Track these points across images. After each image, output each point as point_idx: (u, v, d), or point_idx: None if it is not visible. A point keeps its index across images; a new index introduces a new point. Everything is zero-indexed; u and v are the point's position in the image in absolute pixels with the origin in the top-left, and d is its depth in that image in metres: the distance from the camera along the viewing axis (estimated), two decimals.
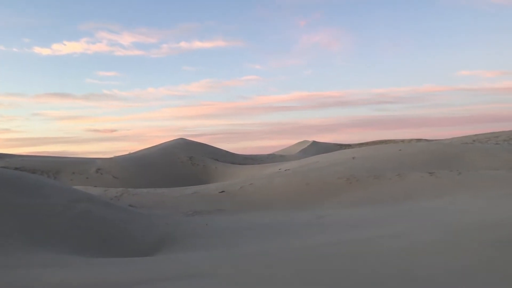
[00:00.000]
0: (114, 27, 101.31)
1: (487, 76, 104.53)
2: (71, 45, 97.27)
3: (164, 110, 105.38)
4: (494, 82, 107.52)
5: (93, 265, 5.50)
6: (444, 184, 13.24)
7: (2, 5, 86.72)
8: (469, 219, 7.05)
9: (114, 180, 27.37)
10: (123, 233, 9.00)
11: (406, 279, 3.68)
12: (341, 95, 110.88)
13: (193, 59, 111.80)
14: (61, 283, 4.13)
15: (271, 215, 11.76)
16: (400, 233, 6.34)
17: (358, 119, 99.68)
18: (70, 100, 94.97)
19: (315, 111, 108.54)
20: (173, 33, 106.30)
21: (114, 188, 17.39)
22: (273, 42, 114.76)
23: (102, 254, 7.23)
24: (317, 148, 51.19)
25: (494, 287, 3.33)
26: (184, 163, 33.11)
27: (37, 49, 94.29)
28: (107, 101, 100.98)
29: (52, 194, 9.50)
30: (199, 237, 8.93)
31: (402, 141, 47.72)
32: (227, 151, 42.04)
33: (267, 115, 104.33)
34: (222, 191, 15.46)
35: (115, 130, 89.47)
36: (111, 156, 35.52)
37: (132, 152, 38.47)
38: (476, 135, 33.33)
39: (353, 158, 19.84)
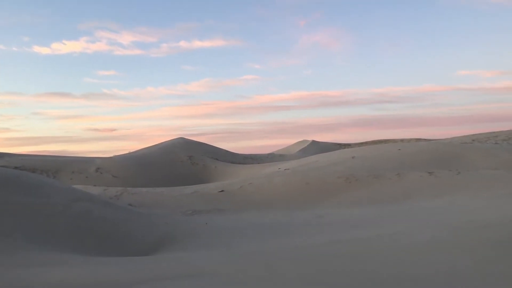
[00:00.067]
0: (114, 27, 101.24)
1: (486, 76, 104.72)
2: (70, 44, 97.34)
3: (164, 109, 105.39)
4: (493, 82, 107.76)
5: (93, 264, 5.50)
6: (443, 183, 13.25)
7: (1, 4, 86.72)
8: (469, 218, 7.05)
9: (114, 179, 27.39)
10: (122, 232, 9.00)
11: (406, 279, 3.68)
12: (340, 95, 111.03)
13: (192, 58, 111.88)
14: (61, 282, 4.13)
15: (270, 215, 11.77)
16: (400, 233, 6.35)
17: (357, 118, 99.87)
18: (69, 99, 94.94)
19: (314, 110, 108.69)
20: (173, 32, 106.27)
21: (113, 188, 17.38)
22: (273, 42, 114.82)
23: (101, 253, 7.23)
24: (316, 147, 51.22)
25: (494, 287, 3.33)
26: (183, 163, 33.12)
27: (37, 48, 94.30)
28: (107, 100, 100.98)
29: (52, 194, 9.49)
30: (198, 237, 8.94)
31: (402, 140, 47.82)
32: (227, 151, 42.08)
33: (266, 114, 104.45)
34: (222, 191, 15.46)
35: (114, 130, 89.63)
36: (111, 155, 35.53)
37: (131, 151, 38.49)
38: (475, 134, 33.37)
39: (353, 157, 19.84)
